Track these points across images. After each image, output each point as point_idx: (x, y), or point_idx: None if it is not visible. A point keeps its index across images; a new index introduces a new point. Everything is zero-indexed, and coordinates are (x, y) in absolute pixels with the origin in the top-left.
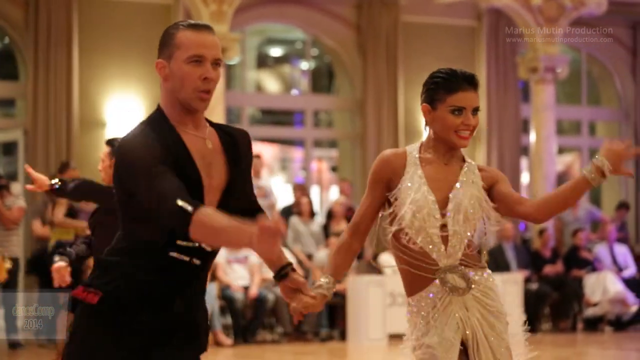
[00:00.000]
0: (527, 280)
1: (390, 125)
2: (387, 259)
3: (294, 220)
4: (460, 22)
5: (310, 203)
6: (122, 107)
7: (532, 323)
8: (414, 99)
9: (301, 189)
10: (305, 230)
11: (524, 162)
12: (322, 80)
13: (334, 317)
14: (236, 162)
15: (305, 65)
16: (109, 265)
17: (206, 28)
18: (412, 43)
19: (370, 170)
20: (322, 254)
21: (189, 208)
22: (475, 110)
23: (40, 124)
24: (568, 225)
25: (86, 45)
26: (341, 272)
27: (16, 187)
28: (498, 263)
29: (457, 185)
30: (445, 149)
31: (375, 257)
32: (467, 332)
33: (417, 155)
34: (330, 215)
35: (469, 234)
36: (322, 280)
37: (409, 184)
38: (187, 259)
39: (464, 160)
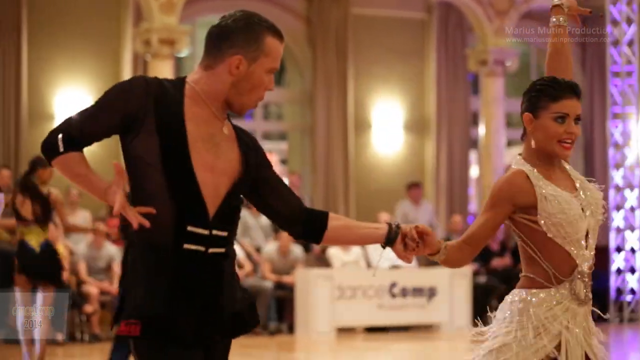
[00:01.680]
0: (476, 274)
1: (339, 117)
2: (335, 253)
3: (243, 213)
4: (410, 14)
5: None
6: (71, 100)
7: (480, 316)
8: (364, 92)
9: None
10: (255, 224)
11: (473, 155)
12: None
13: (282, 311)
14: (249, 158)
15: None
16: (133, 280)
17: (281, 37)
18: (362, 36)
19: (496, 188)
20: (271, 247)
21: (61, 147)
22: (578, 119)
23: None
24: None
25: (35, 38)
26: (452, 254)
27: None
28: None
29: (578, 185)
30: (547, 159)
31: (323, 250)
32: (564, 344)
33: (533, 170)
34: None
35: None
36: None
37: (547, 197)
38: (202, 249)
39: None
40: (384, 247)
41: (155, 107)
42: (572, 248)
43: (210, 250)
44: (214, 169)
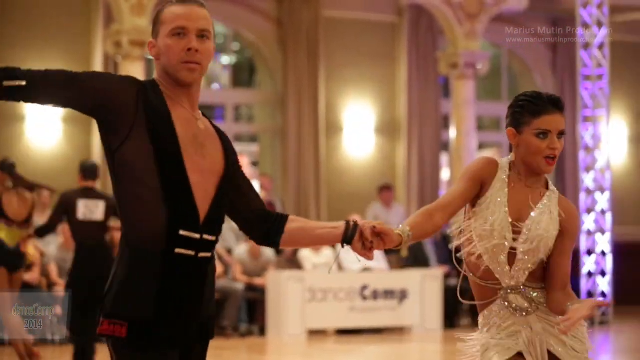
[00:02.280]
0: (447, 276)
1: (311, 120)
2: (306, 255)
3: None
4: (381, 17)
5: None
6: None
7: (452, 318)
8: (335, 94)
9: None
10: (226, 226)
11: (444, 158)
12: (243, 74)
13: (253, 313)
14: (229, 154)
15: (226, 59)
16: (122, 282)
17: (194, 2)
18: (333, 38)
19: (470, 166)
20: (242, 249)
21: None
22: (561, 134)
23: None
24: None
25: (5, 39)
26: (419, 230)
27: None
28: (417, 259)
29: (534, 213)
30: (530, 173)
31: (295, 252)
32: (532, 350)
33: (506, 173)
34: None
35: (536, 259)
36: (400, 226)
37: (491, 200)
38: (192, 253)
39: (547, 187)
40: (342, 246)
41: (146, 110)
42: (494, 266)
43: (200, 254)
44: (202, 171)
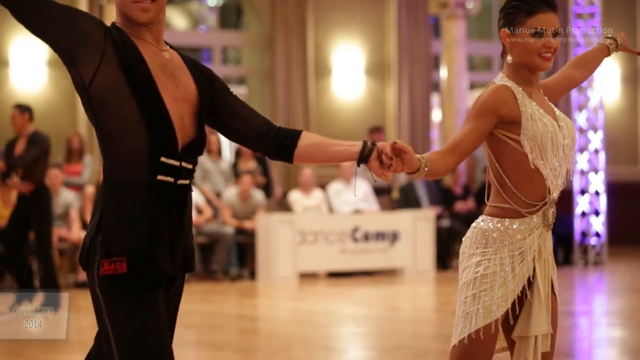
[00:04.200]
0: (439, 217)
1: (299, 61)
2: (296, 198)
3: (203, 158)
4: None
5: (218, 141)
6: (27, 47)
7: (444, 260)
8: (324, 35)
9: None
10: (215, 169)
11: (435, 99)
12: (230, 16)
13: (243, 256)
14: (202, 83)
15: (212, 1)
16: (113, 219)
17: None
18: None
19: (477, 102)
20: (230, 192)
21: None
22: (556, 33)
23: None
24: (479, 162)
25: None
26: (433, 166)
27: None
28: (409, 200)
29: (556, 110)
30: (528, 75)
31: (285, 195)
32: (537, 268)
33: (517, 88)
34: (238, 153)
35: (572, 157)
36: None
37: (532, 116)
38: (172, 180)
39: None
40: (358, 165)
41: (113, 43)
42: (549, 172)
43: (179, 181)
44: (176, 98)
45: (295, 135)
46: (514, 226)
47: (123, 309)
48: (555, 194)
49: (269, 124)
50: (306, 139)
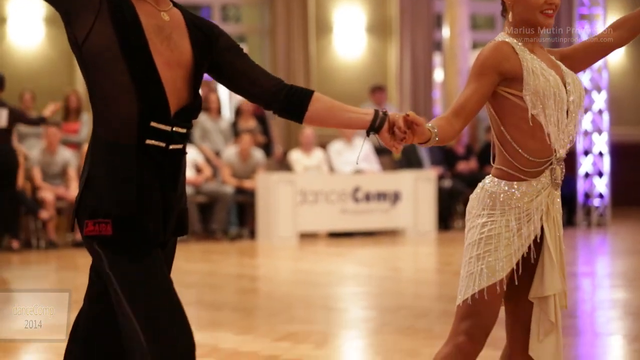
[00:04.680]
0: (441, 178)
1: (300, 20)
2: (296, 158)
3: (202, 117)
4: None
5: (218, 100)
6: (24, 3)
7: (446, 220)
8: None
9: (208, 86)
10: (214, 128)
11: (437, 58)
12: None
13: (243, 216)
14: (199, 45)
15: None
16: (101, 179)
17: None
18: None
19: (481, 56)
20: (230, 151)
21: None
22: None
23: None
24: (482, 122)
25: None
26: (442, 133)
27: None
28: (411, 160)
29: (563, 67)
30: (531, 32)
31: (285, 154)
32: (545, 227)
33: (518, 44)
34: (238, 112)
35: (580, 114)
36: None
37: (533, 71)
38: (163, 145)
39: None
40: (368, 135)
41: (110, 5)
42: (552, 129)
43: (171, 146)
44: (170, 63)
45: (306, 96)
46: (522, 188)
47: (122, 265)
48: (561, 152)
49: (279, 85)
50: (318, 103)
